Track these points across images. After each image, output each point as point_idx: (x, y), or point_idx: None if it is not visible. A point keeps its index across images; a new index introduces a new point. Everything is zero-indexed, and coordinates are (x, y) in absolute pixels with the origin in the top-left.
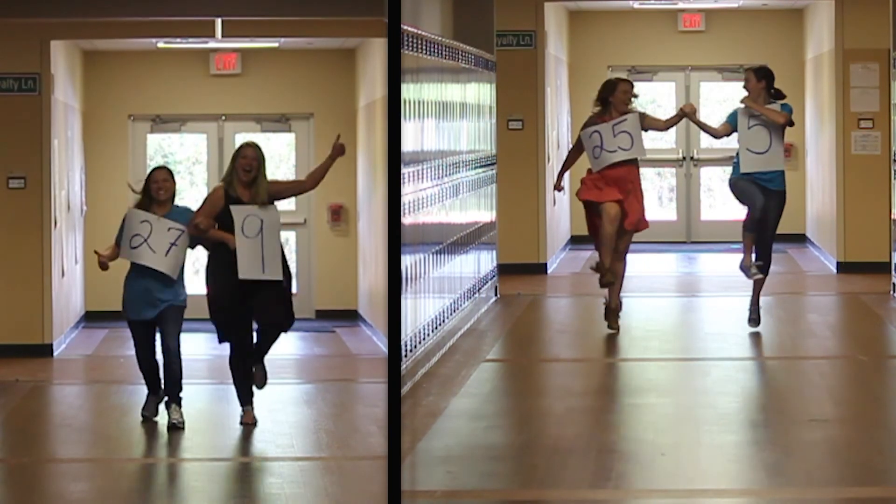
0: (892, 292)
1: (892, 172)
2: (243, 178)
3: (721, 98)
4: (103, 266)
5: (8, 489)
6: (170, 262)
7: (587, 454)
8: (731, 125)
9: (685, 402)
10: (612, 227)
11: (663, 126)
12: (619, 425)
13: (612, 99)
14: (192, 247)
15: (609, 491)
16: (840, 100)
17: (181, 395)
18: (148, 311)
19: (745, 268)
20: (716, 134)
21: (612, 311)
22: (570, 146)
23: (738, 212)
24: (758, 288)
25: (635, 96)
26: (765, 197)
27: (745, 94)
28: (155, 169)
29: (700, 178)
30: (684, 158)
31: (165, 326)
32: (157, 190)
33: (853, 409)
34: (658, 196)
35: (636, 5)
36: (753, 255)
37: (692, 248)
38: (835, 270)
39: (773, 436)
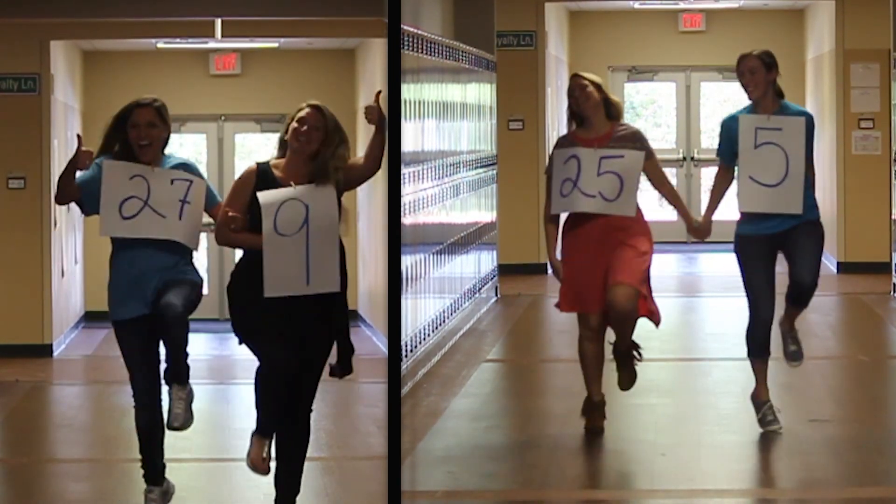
0: (892, 292)
1: (893, 172)
2: (299, 147)
3: (722, 98)
4: (81, 164)
5: (8, 489)
6: (186, 227)
7: (587, 454)
8: (727, 159)
9: (686, 402)
10: (593, 345)
11: (662, 186)
12: (620, 425)
13: (570, 103)
14: (210, 210)
15: (609, 491)
16: (840, 100)
17: (188, 379)
18: (139, 304)
19: (758, 403)
20: (720, 189)
21: (595, 405)
22: (547, 186)
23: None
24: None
25: (601, 94)
26: (792, 243)
27: (746, 88)
28: (136, 106)
29: (700, 178)
30: (685, 158)
31: (165, 292)
32: (137, 138)
33: (854, 409)
34: (659, 196)
35: (637, 5)
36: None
37: (692, 248)
38: (835, 271)
39: (774, 436)
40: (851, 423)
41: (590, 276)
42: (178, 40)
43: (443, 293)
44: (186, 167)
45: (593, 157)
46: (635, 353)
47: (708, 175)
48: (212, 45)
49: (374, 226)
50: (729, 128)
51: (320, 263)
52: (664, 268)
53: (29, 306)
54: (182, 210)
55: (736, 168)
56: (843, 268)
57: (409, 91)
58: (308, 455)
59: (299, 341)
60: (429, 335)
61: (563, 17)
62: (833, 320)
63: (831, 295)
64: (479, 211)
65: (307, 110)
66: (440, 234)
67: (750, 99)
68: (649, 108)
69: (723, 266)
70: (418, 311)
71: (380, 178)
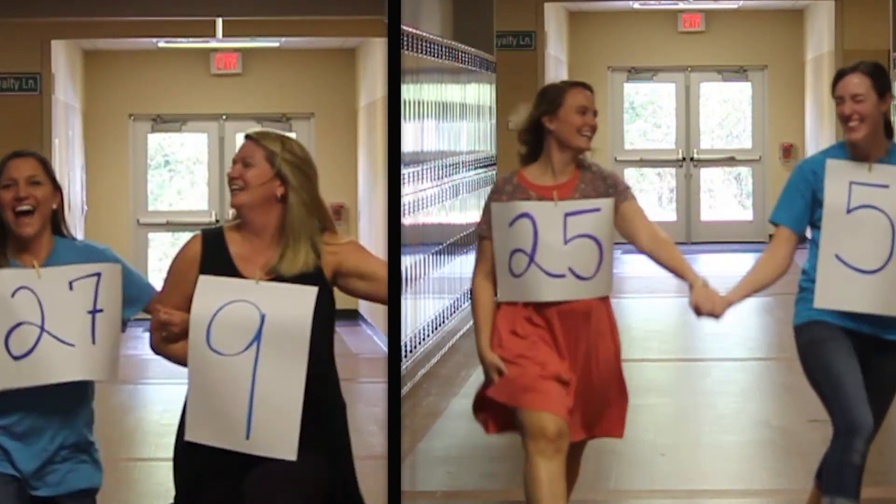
0: None
1: None
2: (244, 216)
3: (721, 98)
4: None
5: None
6: (103, 353)
7: (586, 454)
8: (794, 222)
9: (685, 402)
10: (551, 462)
11: (640, 238)
12: None
13: (555, 125)
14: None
15: (609, 491)
16: None
17: None
18: (17, 466)
19: None
20: (774, 271)
21: None
22: (479, 249)
23: (739, 212)
24: None
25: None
26: (876, 367)
27: (847, 123)
28: (10, 157)
29: (700, 178)
30: (684, 159)
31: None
32: (13, 202)
33: None
34: (658, 197)
35: (636, 6)
36: None
37: (692, 248)
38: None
39: (774, 436)
40: None
41: (546, 369)
42: (179, 39)
43: (443, 293)
44: (88, 252)
45: (555, 216)
46: None
47: (708, 176)
48: (213, 44)
49: (374, 226)
50: (807, 177)
51: (271, 409)
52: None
53: None
54: (94, 327)
55: (809, 234)
56: None
57: (409, 91)
58: None
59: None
60: (429, 335)
61: (562, 18)
62: None
63: None
64: (478, 211)
65: (241, 147)
66: (440, 235)
67: (850, 140)
68: (649, 108)
69: (723, 266)
70: (418, 311)
71: (380, 178)
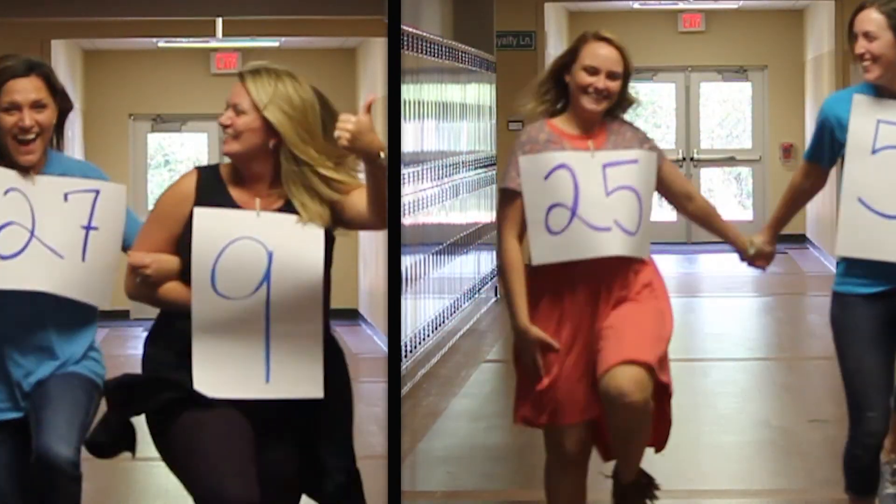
0: None
1: None
2: (232, 158)
3: (721, 98)
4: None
5: None
6: (93, 274)
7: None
8: (818, 155)
9: (685, 402)
10: (571, 478)
11: (689, 201)
12: None
13: (569, 79)
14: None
15: (609, 492)
16: None
17: None
18: (3, 402)
19: None
20: (797, 194)
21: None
22: (503, 210)
23: (739, 212)
24: None
25: (622, 81)
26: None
27: (861, 62)
28: (10, 75)
29: (700, 178)
30: (684, 159)
31: (44, 413)
32: (15, 129)
33: None
34: (658, 196)
35: (636, 5)
36: None
37: (692, 248)
38: (835, 271)
39: (774, 436)
40: None
41: (571, 365)
42: (179, 39)
43: (442, 293)
44: (83, 168)
45: (594, 167)
46: (650, 490)
47: (708, 175)
48: (213, 44)
49: None
50: (830, 114)
51: (291, 348)
52: (664, 268)
53: None
54: (86, 243)
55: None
56: None
57: (409, 91)
58: None
59: (260, 463)
60: (429, 335)
61: (562, 18)
62: None
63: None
64: (478, 211)
65: (232, 89)
66: (440, 235)
67: (867, 80)
68: (649, 108)
69: (723, 266)
70: (418, 312)
71: None
